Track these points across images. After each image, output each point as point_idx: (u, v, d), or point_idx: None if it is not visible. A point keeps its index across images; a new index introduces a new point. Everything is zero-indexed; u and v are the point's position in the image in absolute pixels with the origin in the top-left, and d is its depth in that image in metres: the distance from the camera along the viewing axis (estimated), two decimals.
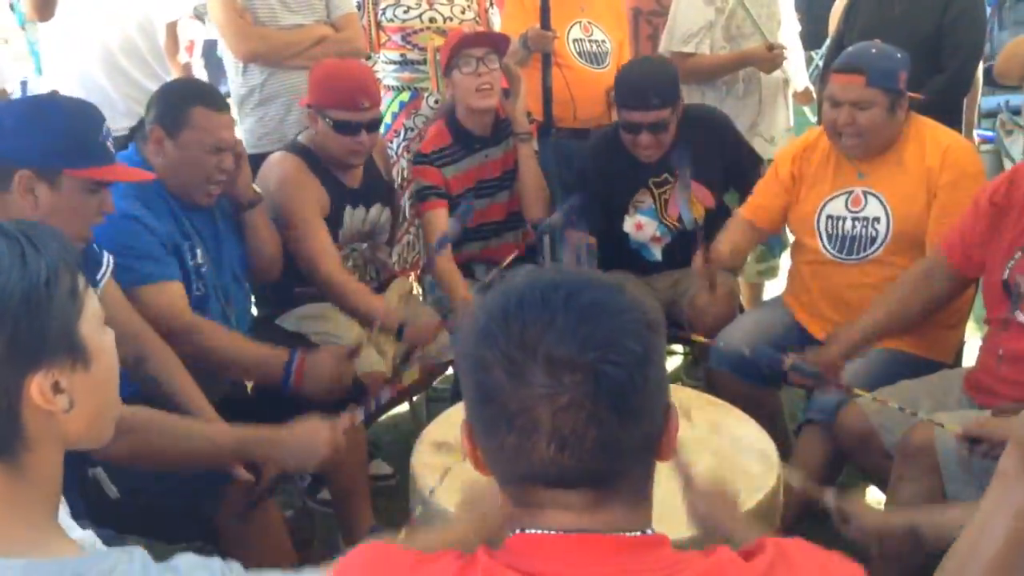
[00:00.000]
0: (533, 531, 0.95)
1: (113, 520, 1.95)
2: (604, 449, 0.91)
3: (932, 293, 2.50)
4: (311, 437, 1.97)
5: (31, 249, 0.98)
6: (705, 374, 3.04)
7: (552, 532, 0.94)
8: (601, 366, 0.90)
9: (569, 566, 0.93)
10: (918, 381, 2.48)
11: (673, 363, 3.88)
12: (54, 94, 2.52)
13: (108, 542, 1.35)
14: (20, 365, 0.96)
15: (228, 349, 2.40)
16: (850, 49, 2.79)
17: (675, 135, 3.08)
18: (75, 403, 1.00)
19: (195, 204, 2.49)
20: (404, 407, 3.32)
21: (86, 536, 1.24)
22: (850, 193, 2.75)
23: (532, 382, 0.90)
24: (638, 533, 0.95)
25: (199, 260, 2.46)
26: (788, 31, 3.78)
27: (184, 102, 2.43)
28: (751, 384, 2.77)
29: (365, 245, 3.03)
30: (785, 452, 2.17)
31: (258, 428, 1.99)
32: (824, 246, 2.79)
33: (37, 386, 0.97)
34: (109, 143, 1.98)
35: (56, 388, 0.98)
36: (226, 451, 1.98)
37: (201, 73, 4.86)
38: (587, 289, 0.94)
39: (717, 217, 3.19)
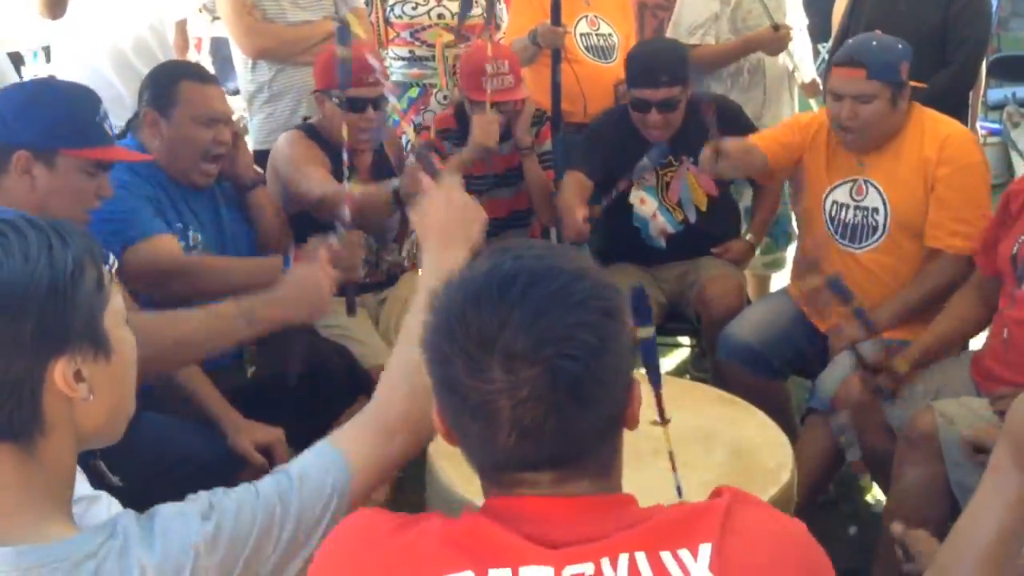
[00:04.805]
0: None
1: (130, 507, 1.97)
2: (565, 435, 0.94)
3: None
4: (307, 281, 1.97)
5: (59, 241, 1.01)
6: (713, 366, 3.06)
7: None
8: (557, 361, 0.92)
9: (546, 518, 0.96)
10: None
11: (680, 355, 3.90)
12: (50, 78, 2.50)
13: None
14: (45, 351, 0.99)
15: (228, 272, 2.38)
16: (850, 41, 2.75)
17: (684, 118, 3.08)
18: (94, 393, 1.02)
19: (195, 187, 2.50)
20: None
21: (99, 495, 1.26)
22: (854, 182, 2.74)
23: (491, 377, 0.92)
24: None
25: (191, 243, 2.46)
26: (795, 22, 3.79)
27: (171, 80, 2.46)
28: (759, 376, 2.79)
29: (373, 239, 3.04)
30: (793, 443, 2.19)
31: (258, 294, 1.96)
32: (830, 230, 2.79)
33: (60, 371, 0.99)
34: (107, 125, 1.99)
35: (78, 376, 1.01)
36: (235, 320, 1.91)
37: (209, 70, 4.85)
38: (545, 280, 0.95)
39: (720, 206, 3.20)
